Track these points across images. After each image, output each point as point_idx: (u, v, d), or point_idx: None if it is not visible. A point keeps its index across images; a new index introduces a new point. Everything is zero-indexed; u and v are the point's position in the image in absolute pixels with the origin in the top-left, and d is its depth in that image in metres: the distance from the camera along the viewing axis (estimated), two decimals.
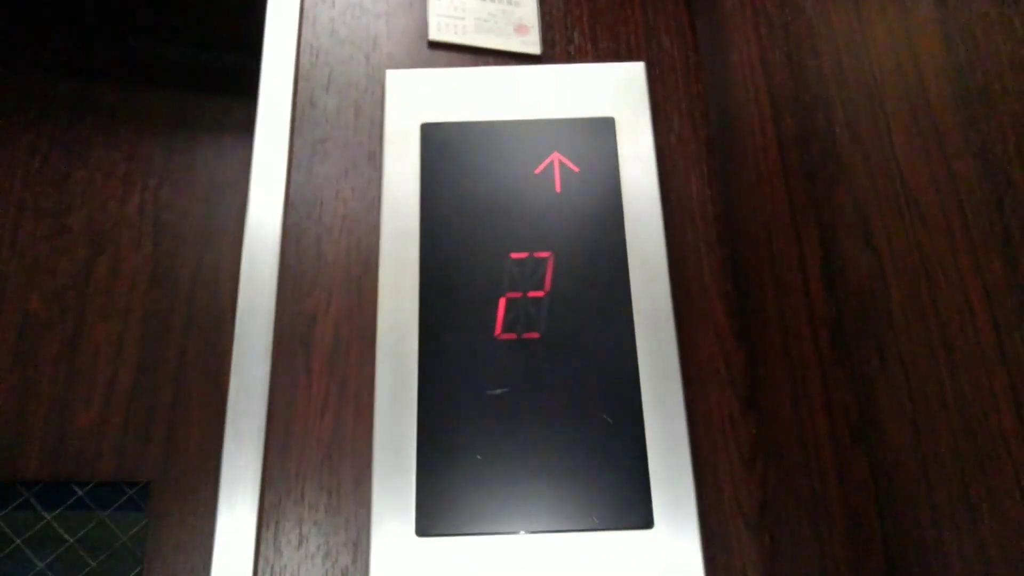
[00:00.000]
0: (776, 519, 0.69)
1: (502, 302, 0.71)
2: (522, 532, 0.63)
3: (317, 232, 0.77)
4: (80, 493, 0.83)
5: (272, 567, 0.65)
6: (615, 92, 0.80)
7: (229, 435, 0.69)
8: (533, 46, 0.90)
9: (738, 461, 0.72)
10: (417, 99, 0.80)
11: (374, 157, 0.81)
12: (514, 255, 0.72)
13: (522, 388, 0.68)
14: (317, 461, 0.69)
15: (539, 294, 0.71)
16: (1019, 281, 0.41)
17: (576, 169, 0.76)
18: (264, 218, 0.77)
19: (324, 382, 0.71)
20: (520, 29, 0.90)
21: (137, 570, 0.81)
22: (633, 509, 0.63)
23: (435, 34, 0.88)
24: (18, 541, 0.79)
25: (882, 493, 0.54)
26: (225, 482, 0.68)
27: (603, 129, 0.78)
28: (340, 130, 0.82)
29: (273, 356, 0.72)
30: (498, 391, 0.67)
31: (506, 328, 0.70)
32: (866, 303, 0.56)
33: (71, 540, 0.81)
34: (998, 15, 0.44)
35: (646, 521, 0.63)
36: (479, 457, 0.65)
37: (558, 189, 0.75)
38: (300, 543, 0.66)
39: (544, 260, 0.72)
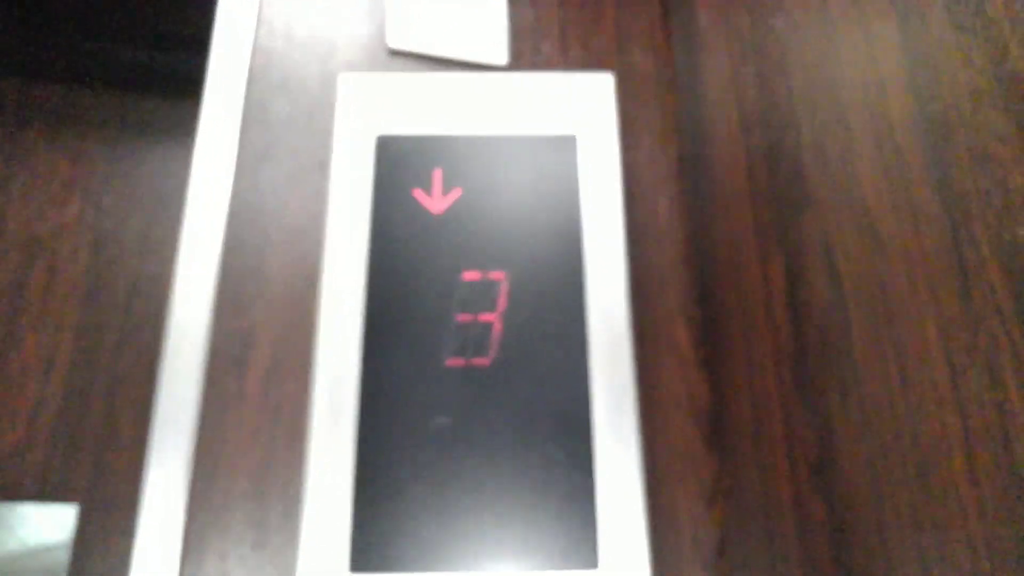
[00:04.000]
0: (735, 559, 0.65)
1: (451, 325, 0.67)
2: (461, 570, 0.59)
3: (259, 244, 0.73)
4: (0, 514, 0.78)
5: None
6: (581, 104, 0.77)
7: (154, 460, 0.64)
8: (500, 57, 0.86)
9: (698, 498, 0.68)
10: (371, 106, 0.76)
11: (324, 167, 0.77)
12: (466, 275, 0.68)
13: (468, 418, 0.63)
14: (245, 490, 0.64)
15: (491, 317, 0.67)
16: (973, 317, 0.38)
17: (535, 188, 0.72)
18: (203, 227, 0.72)
19: (257, 406, 0.67)
20: (487, 38, 0.87)
21: None
22: (576, 548, 0.59)
23: (394, 42, 0.85)
24: None
25: (837, 536, 0.50)
26: (147, 510, 0.63)
27: (564, 147, 0.74)
28: (290, 137, 0.78)
29: (205, 376, 0.67)
30: (442, 420, 0.63)
31: (454, 353, 0.66)
32: (828, 337, 0.52)
33: None
34: (956, 42, 0.42)
35: (589, 560, 0.58)
36: (420, 490, 0.61)
37: (515, 208, 0.71)
38: None
39: (498, 282, 0.68)
